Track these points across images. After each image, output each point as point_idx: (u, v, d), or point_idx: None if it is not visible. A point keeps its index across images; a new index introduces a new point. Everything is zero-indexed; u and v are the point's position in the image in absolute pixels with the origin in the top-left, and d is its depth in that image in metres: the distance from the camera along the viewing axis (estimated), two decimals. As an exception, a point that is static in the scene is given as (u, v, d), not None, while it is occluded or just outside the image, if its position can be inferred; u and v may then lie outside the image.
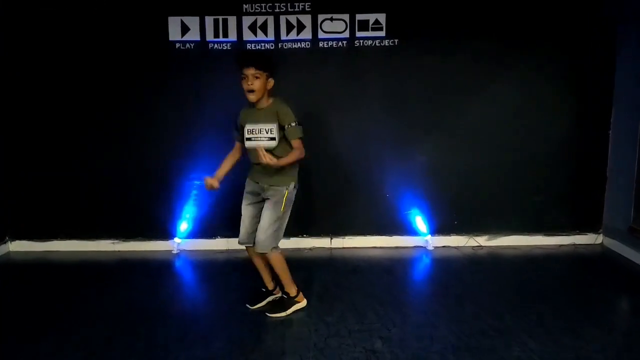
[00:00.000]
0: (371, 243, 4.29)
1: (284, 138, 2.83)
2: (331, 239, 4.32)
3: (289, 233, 4.08)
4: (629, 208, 3.87)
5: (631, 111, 3.88)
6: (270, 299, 3.12)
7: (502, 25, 4.01)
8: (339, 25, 4.00)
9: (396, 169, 4.19)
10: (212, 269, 3.90)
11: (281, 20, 3.98)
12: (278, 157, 2.73)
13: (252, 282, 3.26)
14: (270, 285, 3.12)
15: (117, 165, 4.18)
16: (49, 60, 4.05)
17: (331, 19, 4.00)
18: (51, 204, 4.25)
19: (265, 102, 2.85)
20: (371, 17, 3.97)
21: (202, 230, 4.28)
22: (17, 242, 4.34)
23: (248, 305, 3.08)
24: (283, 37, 4.00)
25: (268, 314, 2.97)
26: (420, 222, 4.26)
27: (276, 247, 2.91)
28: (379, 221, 4.27)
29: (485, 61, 4.06)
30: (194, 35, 4.00)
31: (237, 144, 3.04)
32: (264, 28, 3.99)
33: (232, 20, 3.99)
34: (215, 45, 4.03)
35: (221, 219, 4.17)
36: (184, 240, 4.27)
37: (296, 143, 2.82)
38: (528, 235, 4.29)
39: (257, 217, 2.92)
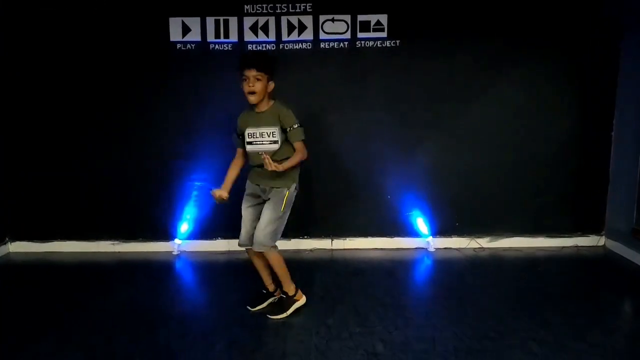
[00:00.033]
0: (372, 244, 4.28)
1: (285, 140, 2.82)
2: (332, 240, 4.31)
3: (289, 234, 4.14)
4: (632, 209, 3.84)
5: (634, 112, 3.86)
6: (271, 300, 3.11)
7: (503, 26, 3.99)
8: (341, 26, 3.99)
9: (397, 170, 4.18)
10: (212, 270, 3.89)
11: (282, 21, 3.97)
12: (280, 160, 2.73)
13: (252, 284, 3.25)
14: (270, 286, 3.11)
15: (117, 166, 4.18)
16: (49, 60, 4.04)
17: (332, 20, 3.99)
18: (51, 205, 4.24)
19: (266, 105, 2.84)
20: (373, 18, 3.96)
21: (202, 231, 4.26)
22: (17, 242, 4.33)
23: (249, 307, 3.07)
24: (284, 38, 3.99)
25: (269, 316, 2.96)
26: (421, 224, 4.24)
27: (274, 247, 2.90)
28: (380, 222, 4.26)
29: (487, 61, 4.04)
30: (194, 35, 3.99)
31: (239, 150, 3.01)
32: (265, 29, 3.99)
33: (233, 21, 3.98)
34: (216, 46, 4.02)
35: (222, 220, 4.15)
36: (184, 242, 4.26)
37: (299, 145, 2.82)
38: (530, 237, 4.26)
39: (257, 219, 2.91)
